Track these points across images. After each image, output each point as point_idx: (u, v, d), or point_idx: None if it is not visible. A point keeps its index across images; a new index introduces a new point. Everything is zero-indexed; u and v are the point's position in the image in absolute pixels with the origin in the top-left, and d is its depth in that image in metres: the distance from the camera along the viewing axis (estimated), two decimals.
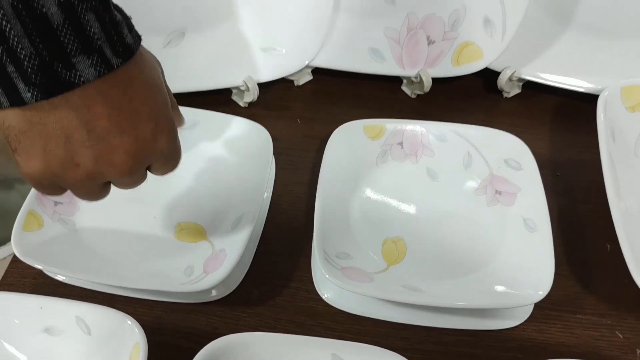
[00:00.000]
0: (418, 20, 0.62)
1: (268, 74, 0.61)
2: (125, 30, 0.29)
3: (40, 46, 0.27)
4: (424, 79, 0.62)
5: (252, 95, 0.61)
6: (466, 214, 0.53)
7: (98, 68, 0.28)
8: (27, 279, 0.50)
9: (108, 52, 0.28)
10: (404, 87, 0.65)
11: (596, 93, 0.55)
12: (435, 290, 0.47)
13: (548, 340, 0.47)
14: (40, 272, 0.50)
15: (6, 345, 0.40)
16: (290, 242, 0.53)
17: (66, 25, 0.27)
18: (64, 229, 0.50)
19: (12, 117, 0.29)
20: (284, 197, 0.56)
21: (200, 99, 0.60)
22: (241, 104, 0.63)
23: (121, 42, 0.29)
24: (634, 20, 0.59)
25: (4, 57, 0.27)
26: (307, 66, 0.63)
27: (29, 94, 0.28)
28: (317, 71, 0.66)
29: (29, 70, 0.27)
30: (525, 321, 0.48)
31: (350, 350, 0.38)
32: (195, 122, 0.56)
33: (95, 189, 0.34)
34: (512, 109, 0.64)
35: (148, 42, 0.59)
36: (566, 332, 0.48)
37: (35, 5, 0.26)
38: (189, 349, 0.40)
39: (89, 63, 0.28)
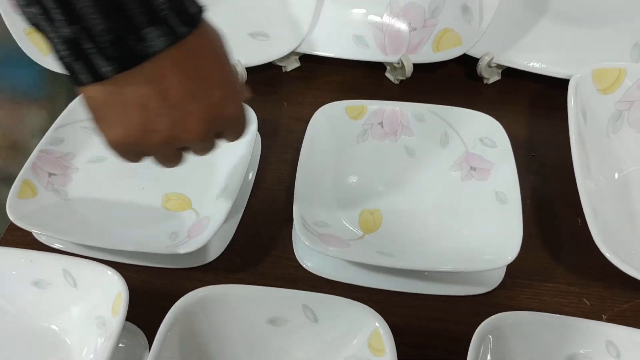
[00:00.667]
0: (400, 8, 0.64)
1: (255, 59, 0.64)
2: (189, 1, 0.31)
3: (112, 21, 0.28)
4: (405, 64, 0.64)
5: (240, 79, 0.64)
6: (441, 188, 0.55)
7: (166, 38, 0.30)
8: (21, 246, 0.52)
9: (174, 22, 0.30)
10: (387, 74, 0.68)
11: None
12: (408, 256, 0.49)
13: (516, 306, 0.49)
14: (33, 240, 0.52)
15: None
16: (273, 215, 0.55)
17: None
18: (57, 198, 0.52)
19: (92, 90, 0.31)
20: (268, 174, 0.58)
21: None
22: None
23: (186, 12, 0.30)
24: (606, 7, 0.62)
25: (81, 35, 0.28)
26: (294, 53, 0.66)
27: (107, 68, 0.29)
28: (304, 58, 0.69)
29: (102, 45, 0.28)
30: (496, 288, 0.50)
31: (319, 300, 0.40)
32: None
33: (171, 154, 0.36)
34: (491, 94, 0.67)
35: None
36: (535, 299, 0.50)
37: None
38: (167, 307, 0.42)
39: (158, 34, 0.29)
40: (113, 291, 0.40)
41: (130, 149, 0.34)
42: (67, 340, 0.42)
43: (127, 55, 0.29)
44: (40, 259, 0.42)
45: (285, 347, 0.41)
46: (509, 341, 0.41)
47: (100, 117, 0.33)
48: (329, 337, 0.41)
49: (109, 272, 0.40)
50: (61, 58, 0.30)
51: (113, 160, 0.56)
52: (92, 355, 0.40)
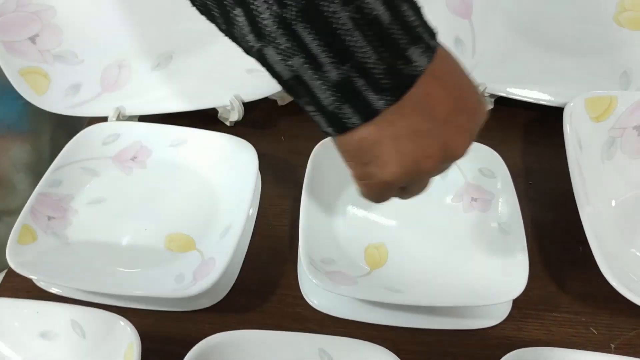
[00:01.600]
0: None
1: (253, 94, 0.64)
2: (423, 14, 0.30)
3: (381, 49, 0.27)
4: None
5: (237, 114, 0.64)
6: (444, 220, 0.55)
7: (427, 54, 0.29)
8: (21, 292, 0.51)
9: (426, 36, 0.29)
10: None
11: (563, 106, 0.59)
12: (416, 291, 0.49)
13: (526, 338, 0.49)
14: (33, 286, 0.51)
15: (3, 350, 0.41)
16: (277, 252, 0.55)
17: (394, 22, 0.27)
18: (57, 242, 0.51)
19: (361, 132, 0.30)
20: (270, 209, 0.58)
21: (189, 118, 0.62)
22: (227, 123, 0.65)
23: (429, 25, 0.30)
24: (595, 37, 0.63)
25: (353, 74, 0.27)
26: None
27: (381, 102, 0.28)
28: None
29: (377, 77, 0.27)
30: (504, 320, 0.50)
31: (336, 344, 0.40)
32: (184, 139, 0.59)
33: (427, 182, 0.35)
34: (486, 123, 0.67)
35: (137, 66, 0.62)
36: (543, 330, 0.50)
37: (368, 11, 0.26)
38: (179, 353, 0.41)
39: (420, 51, 0.28)
40: (124, 341, 0.39)
41: (398, 184, 0.32)
42: None
43: (398, 82, 0.28)
44: (47, 309, 0.41)
45: None
46: None
47: (371, 159, 0.31)
48: None
49: (121, 323, 0.39)
50: (322, 108, 0.29)
51: (113, 202, 0.56)
52: None
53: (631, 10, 0.61)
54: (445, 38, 0.62)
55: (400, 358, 0.41)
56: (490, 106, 0.68)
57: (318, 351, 0.40)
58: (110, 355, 0.40)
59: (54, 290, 0.50)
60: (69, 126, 0.66)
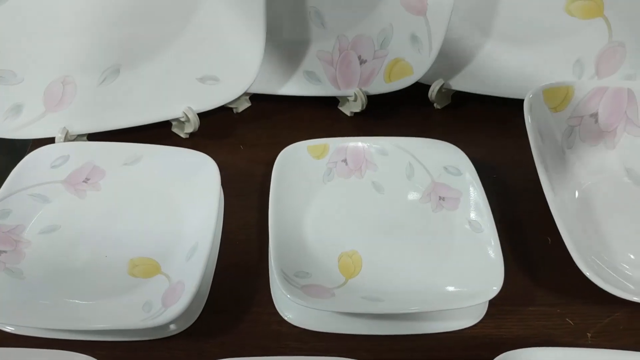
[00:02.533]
0: (348, 42, 0.64)
1: (206, 104, 0.62)
2: None
3: None
4: (359, 97, 0.64)
5: (192, 125, 0.61)
6: (414, 222, 0.55)
7: None
8: None
9: None
10: (340, 108, 0.67)
11: (520, 97, 0.59)
12: (393, 298, 0.48)
13: (506, 335, 0.49)
14: None
15: None
16: (246, 267, 0.53)
17: None
18: (11, 278, 0.48)
19: None
20: (235, 223, 0.56)
21: (141, 133, 0.60)
22: (182, 135, 0.63)
23: None
24: (547, 27, 0.64)
25: None
26: (244, 93, 0.64)
27: None
28: (255, 97, 0.67)
29: None
30: (483, 319, 0.50)
31: None
32: (138, 157, 0.56)
33: None
34: (445, 119, 0.68)
35: (82, 81, 0.59)
36: (521, 325, 0.50)
37: None
38: None
39: None
40: None
41: None
42: None
43: None
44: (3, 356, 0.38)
45: None
46: None
47: None
48: None
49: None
50: None
51: (68, 229, 0.53)
52: None
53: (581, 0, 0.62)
54: (401, 35, 0.62)
55: None
56: (448, 102, 0.68)
57: None
58: None
59: (8, 329, 0.47)
60: (12, 151, 0.62)
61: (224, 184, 0.58)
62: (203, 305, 0.49)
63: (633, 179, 0.60)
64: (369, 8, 0.63)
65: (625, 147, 0.61)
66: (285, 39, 0.64)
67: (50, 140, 0.57)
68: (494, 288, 0.46)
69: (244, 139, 0.64)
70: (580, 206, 0.58)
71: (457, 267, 0.50)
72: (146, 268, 0.50)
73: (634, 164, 0.61)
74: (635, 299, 0.47)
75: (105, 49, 0.59)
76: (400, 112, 0.68)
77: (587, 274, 0.47)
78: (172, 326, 0.48)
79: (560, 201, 0.54)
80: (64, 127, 0.58)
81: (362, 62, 0.64)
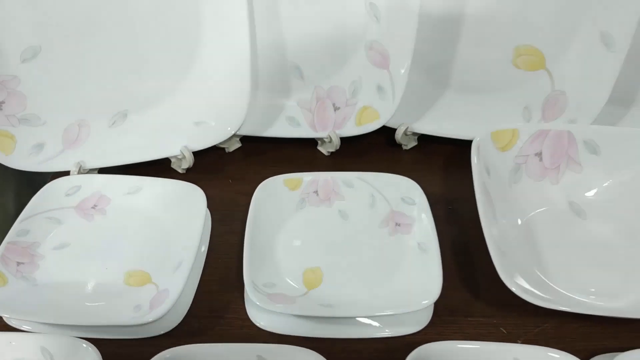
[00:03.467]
0: (324, 91, 0.74)
1: (200, 144, 0.72)
2: None
3: None
4: (333, 139, 0.73)
5: (188, 162, 0.71)
6: (372, 244, 0.63)
7: None
8: None
9: None
10: (319, 147, 0.77)
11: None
12: (348, 306, 0.56)
13: (444, 340, 0.56)
14: (6, 325, 0.57)
15: None
16: (226, 282, 0.61)
17: None
18: (26, 285, 0.57)
19: None
20: (219, 245, 0.65)
21: (143, 168, 0.70)
22: (179, 170, 0.73)
23: None
24: (499, 78, 0.73)
25: None
26: (235, 135, 0.74)
27: None
28: (245, 139, 0.77)
29: None
30: (426, 326, 0.57)
31: (272, 350, 0.46)
32: (139, 187, 0.66)
33: None
34: (411, 158, 0.77)
35: (95, 124, 0.69)
36: (460, 333, 0.57)
37: None
38: None
39: None
40: None
41: None
42: None
43: None
44: (19, 339, 0.47)
45: None
46: None
47: None
48: None
49: (84, 345, 0.45)
50: None
51: (76, 246, 0.62)
52: None
53: (525, 55, 0.71)
54: (369, 86, 0.72)
55: None
56: (414, 143, 0.77)
57: (257, 357, 0.46)
58: None
59: (25, 327, 0.56)
60: (33, 181, 0.73)
61: (212, 211, 0.67)
62: (186, 311, 0.58)
63: (574, 211, 0.68)
64: (341, 63, 0.73)
65: (567, 182, 0.69)
66: (270, 89, 0.75)
67: (66, 173, 0.68)
68: (433, 295, 0.54)
69: (233, 174, 0.74)
70: (523, 234, 0.65)
71: (404, 280, 0.58)
72: (139, 279, 0.59)
73: (576, 197, 0.68)
74: (562, 308, 0.54)
75: (115, 97, 0.70)
76: (371, 152, 0.77)
77: (513, 288, 0.54)
78: (158, 327, 0.56)
79: (497, 230, 0.62)
80: (78, 162, 0.68)
81: (335, 108, 0.74)
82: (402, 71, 0.69)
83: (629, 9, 0.63)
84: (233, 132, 0.72)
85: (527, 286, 0.57)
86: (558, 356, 0.48)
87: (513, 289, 0.54)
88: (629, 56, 0.65)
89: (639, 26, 0.63)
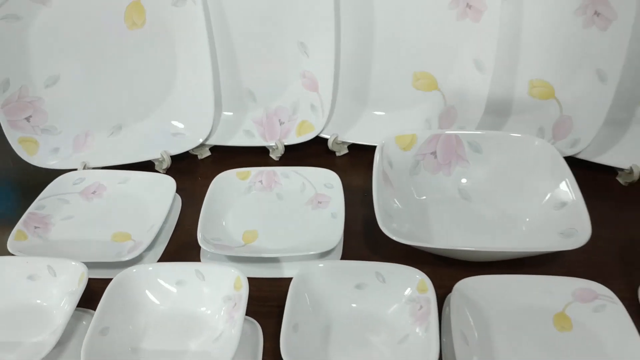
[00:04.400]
0: (272, 110, 0.97)
1: (177, 149, 0.94)
2: None
3: None
4: (279, 146, 0.95)
5: (167, 163, 0.94)
6: (299, 215, 0.83)
7: None
8: None
9: None
10: (270, 155, 0.98)
11: None
12: (273, 252, 0.76)
13: None
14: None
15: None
16: (189, 242, 0.81)
17: None
18: (41, 241, 0.79)
19: None
20: (186, 219, 0.85)
21: (133, 167, 0.92)
22: (160, 171, 0.95)
23: None
24: (405, 98, 0.95)
25: None
26: (205, 144, 0.96)
27: None
28: (213, 148, 0.99)
29: None
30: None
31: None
32: (127, 178, 0.88)
33: None
34: (342, 162, 0.98)
35: (98, 134, 0.92)
36: None
37: None
38: None
39: None
40: (77, 273, 0.65)
41: None
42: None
43: None
44: (33, 260, 0.68)
45: None
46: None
47: None
48: None
49: (73, 263, 0.66)
50: None
51: (79, 218, 0.84)
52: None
53: (422, 79, 0.94)
54: (305, 105, 0.94)
55: (260, 297, 0.68)
56: (346, 151, 0.99)
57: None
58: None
59: None
60: (50, 175, 0.95)
61: (184, 199, 0.89)
62: (158, 258, 0.78)
63: (462, 196, 0.88)
64: (284, 88, 0.96)
65: (457, 174, 0.89)
66: (231, 109, 0.98)
67: (74, 169, 0.90)
68: (334, 244, 0.73)
69: (202, 174, 0.95)
70: (420, 211, 0.85)
71: (318, 237, 0.78)
72: (122, 237, 0.80)
73: (463, 185, 0.89)
74: (426, 245, 0.73)
75: (113, 114, 0.93)
76: (311, 157, 0.98)
77: (387, 232, 0.74)
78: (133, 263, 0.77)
79: (400, 205, 0.82)
80: (83, 162, 0.91)
81: (281, 123, 0.96)
82: (328, 93, 0.92)
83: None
84: (202, 141, 0.94)
85: (403, 240, 0.76)
86: (419, 276, 0.66)
87: (387, 233, 0.72)
88: (495, 77, 0.87)
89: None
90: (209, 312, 0.65)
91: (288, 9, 0.89)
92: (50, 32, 0.85)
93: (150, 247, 0.77)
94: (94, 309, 0.62)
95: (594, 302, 0.67)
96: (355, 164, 0.97)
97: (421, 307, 0.63)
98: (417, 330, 0.62)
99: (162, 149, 0.94)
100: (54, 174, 0.89)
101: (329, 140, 0.97)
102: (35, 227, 0.80)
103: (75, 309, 0.64)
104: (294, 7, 0.88)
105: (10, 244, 0.75)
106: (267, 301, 0.72)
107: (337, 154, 0.99)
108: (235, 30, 0.92)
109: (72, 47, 0.88)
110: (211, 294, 0.66)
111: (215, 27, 0.91)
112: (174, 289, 0.66)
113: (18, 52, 0.85)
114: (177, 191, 0.86)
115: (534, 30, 0.87)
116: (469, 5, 0.85)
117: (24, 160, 0.89)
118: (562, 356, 0.64)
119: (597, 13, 0.81)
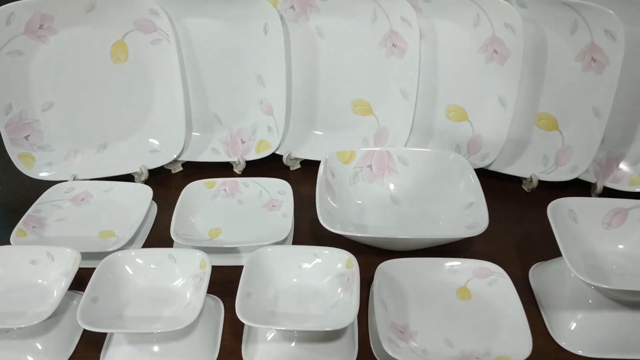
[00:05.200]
0: (235, 131, 1.14)
1: (154, 164, 1.11)
2: None
3: None
4: (241, 162, 1.12)
5: (145, 176, 1.10)
6: (256, 217, 1.00)
7: None
8: None
9: None
10: (234, 169, 1.15)
11: None
12: (232, 244, 0.92)
13: None
14: None
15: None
16: (164, 237, 0.97)
17: None
18: (37, 237, 0.94)
19: None
20: (161, 222, 1.01)
21: (116, 179, 1.08)
22: (140, 182, 1.11)
23: None
24: (346, 120, 1.14)
25: None
26: (177, 160, 1.13)
27: None
28: (185, 164, 1.16)
29: None
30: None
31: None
32: (111, 188, 1.04)
33: None
34: (295, 175, 1.15)
35: (86, 151, 1.09)
36: None
37: None
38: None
39: None
40: (70, 257, 0.81)
41: None
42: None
43: None
44: (34, 247, 0.83)
45: None
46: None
47: None
48: None
49: (68, 250, 0.82)
50: None
51: (69, 219, 0.99)
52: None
53: (359, 105, 1.12)
54: (262, 127, 1.13)
55: (224, 282, 0.84)
56: (298, 166, 1.16)
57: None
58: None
59: None
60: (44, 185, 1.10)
61: (159, 206, 1.05)
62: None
63: (393, 200, 1.05)
64: (245, 113, 1.13)
65: (389, 183, 1.07)
66: (200, 130, 1.15)
67: (65, 181, 1.06)
68: (282, 237, 0.90)
69: (175, 185, 1.12)
70: (358, 212, 1.02)
71: (270, 232, 0.94)
72: (108, 234, 0.95)
73: (395, 192, 1.06)
74: (357, 234, 0.91)
75: (99, 134, 1.10)
76: (269, 172, 1.15)
77: (324, 224, 0.91)
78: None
79: (339, 208, 0.99)
80: (73, 174, 1.07)
81: (243, 142, 1.14)
82: (282, 117, 1.10)
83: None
84: (175, 157, 1.11)
85: (336, 230, 0.93)
86: (347, 256, 0.83)
87: (324, 223, 0.89)
88: (419, 103, 1.07)
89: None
90: (179, 286, 0.81)
91: (247, 48, 1.08)
92: (48, 65, 1.02)
93: (130, 242, 0.93)
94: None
95: (488, 277, 0.85)
96: (306, 176, 1.15)
97: (348, 279, 0.80)
98: (345, 296, 0.79)
99: (141, 164, 1.10)
100: (46, 184, 1.05)
101: (283, 157, 1.14)
102: (33, 227, 0.95)
103: (69, 290, 0.79)
104: (252, 46, 1.07)
105: (13, 240, 0.90)
106: (228, 283, 0.88)
107: (291, 168, 1.16)
108: (203, 65, 1.10)
109: (66, 78, 1.05)
110: (181, 272, 0.82)
111: (187, 62, 1.09)
112: (151, 268, 0.82)
113: (20, 81, 1.01)
114: (154, 199, 1.02)
115: (448, 65, 1.07)
116: (394, 45, 1.05)
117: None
118: (462, 318, 0.81)
119: (495, 51, 1.01)
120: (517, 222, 1.02)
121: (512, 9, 0.96)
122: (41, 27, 0.99)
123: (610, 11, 0.90)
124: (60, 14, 0.99)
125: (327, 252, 0.83)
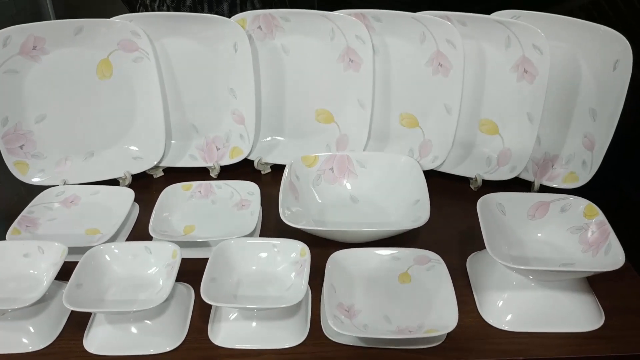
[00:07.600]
0: (210, 139, 1.26)
1: (137, 169, 1.23)
2: None
3: None
4: (216, 166, 1.24)
5: (128, 180, 1.22)
6: (227, 216, 1.11)
7: None
8: None
9: None
10: (210, 174, 1.27)
11: None
12: (203, 238, 1.04)
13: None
14: None
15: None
16: (143, 236, 1.09)
17: None
18: (30, 235, 1.05)
19: None
20: (142, 220, 1.13)
21: (102, 184, 1.19)
22: (123, 186, 1.22)
23: None
24: (311, 128, 1.26)
25: None
26: (158, 166, 1.25)
27: None
28: (165, 170, 1.28)
29: None
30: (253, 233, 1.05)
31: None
32: (98, 191, 1.15)
33: None
34: (266, 179, 1.27)
35: (75, 158, 1.21)
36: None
37: None
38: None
39: None
40: (58, 252, 0.92)
41: None
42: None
43: None
44: (27, 243, 0.95)
45: None
46: None
47: None
48: None
49: (56, 244, 0.93)
50: None
51: (59, 219, 1.11)
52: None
53: (322, 115, 1.24)
54: (235, 135, 1.25)
55: (195, 272, 0.95)
56: (269, 170, 1.28)
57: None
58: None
59: None
60: (36, 189, 1.22)
61: (141, 208, 1.16)
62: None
63: (352, 200, 1.17)
64: (219, 122, 1.25)
65: (350, 184, 1.19)
66: (178, 139, 1.27)
67: (56, 185, 1.17)
68: (248, 232, 1.02)
69: (156, 188, 1.23)
70: (320, 210, 1.14)
71: (237, 229, 1.06)
72: (93, 232, 1.07)
73: (355, 192, 1.18)
74: (319, 228, 1.02)
75: (87, 143, 1.22)
76: (241, 176, 1.27)
77: (284, 219, 1.02)
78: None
79: (300, 210, 1.11)
80: (63, 180, 1.19)
81: (217, 149, 1.26)
82: (252, 126, 1.22)
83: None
84: (156, 163, 1.23)
85: (300, 226, 1.05)
86: (300, 246, 0.94)
87: (284, 219, 1.01)
88: (375, 112, 1.18)
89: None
90: (154, 273, 0.93)
91: (220, 64, 1.20)
92: (40, 82, 1.14)
93: (114, 239, 1.04)
94: None
95: (427, 264, 0.96)
96: (276, 179, 1.25)
97: (301, 265, 0.91)
98: (297, 280, 0.90)
99: (125, 170, 1.22)
100: (38, 189, 1.16)
101: (254, 162, 1.26)
102: (27, 226, 1.07)
103: (57, 280, 0.91)
104: (224, 63, 1.19)
105: (8, 237, 1.02)
106: (199, 273, 0.98)
107: (262, 172, 1.28)
108: (180, 80, 1.22)
109: (56, 93, 1.17)
110: (156, 262, 0.93)
111: (166, 77, 1.21)
112: (129, 259, 0.93)
113: (15, 96, 1.13)
114: (137, 201, 1.14)
115: (399, 77, 1.19)
116: (351, 60, 1.17)
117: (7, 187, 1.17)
118: (401, 299, 0.92)
119: (440, 64, 1.13)
120: (462, 216, 1.13)
121: (453, 27, 1.08)
122: (34, 48, 1.11)
123: (538, 29, 1.02)
124: (51, 37, 1.12)
125: (283, 242, 0.94)
